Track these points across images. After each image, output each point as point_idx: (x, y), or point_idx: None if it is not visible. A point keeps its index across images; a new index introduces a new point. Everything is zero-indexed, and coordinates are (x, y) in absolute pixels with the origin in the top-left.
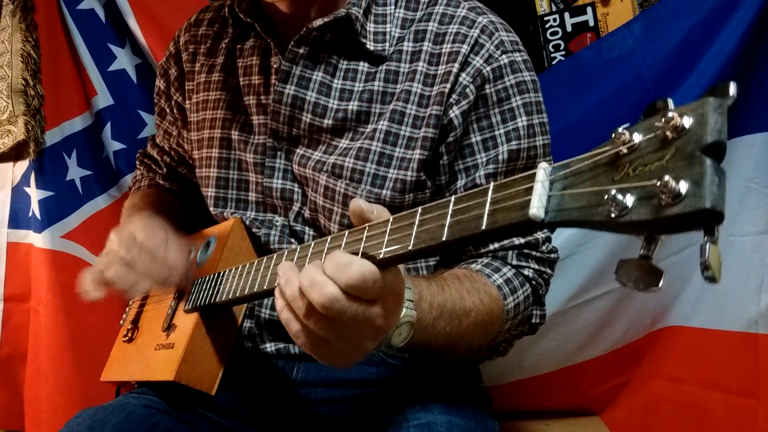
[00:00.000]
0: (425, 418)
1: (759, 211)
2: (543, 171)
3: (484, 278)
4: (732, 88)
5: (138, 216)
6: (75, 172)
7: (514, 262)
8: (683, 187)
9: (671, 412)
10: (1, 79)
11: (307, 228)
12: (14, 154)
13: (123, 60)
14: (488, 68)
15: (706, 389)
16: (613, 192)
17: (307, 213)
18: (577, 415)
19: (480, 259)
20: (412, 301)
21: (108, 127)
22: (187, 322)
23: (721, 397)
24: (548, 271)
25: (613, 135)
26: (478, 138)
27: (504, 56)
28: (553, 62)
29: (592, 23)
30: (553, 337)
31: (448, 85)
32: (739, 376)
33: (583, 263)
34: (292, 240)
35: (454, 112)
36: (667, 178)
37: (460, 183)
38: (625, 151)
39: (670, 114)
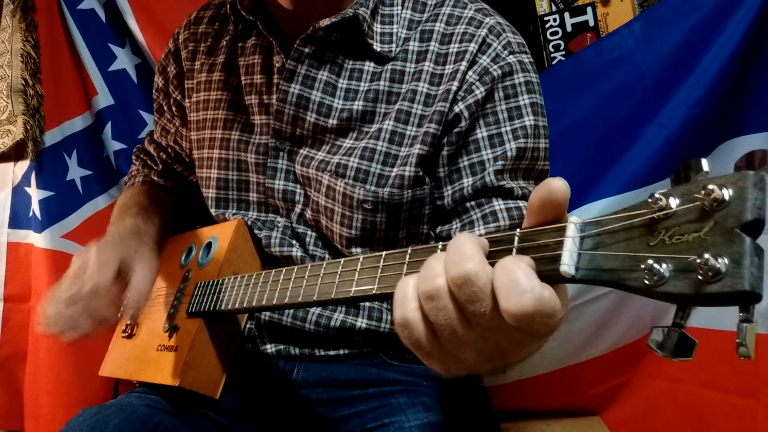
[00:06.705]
0: (425, 418)
1: None
2: (574, 226)
3: None
4: None
5: (107, 236)
6: (75, 172)
7: None
8: (722, 265)
9: (671, 412)
10: (0, 79)
11: (309, 230)
12: (15, 154)
13: (123, 60)
14: (495, 66)
15: (706, 389)
16: (650, 261)
17: (309, 214)
18: (577, 415)
19: None
20: None
21: (108, 127)
22: (190, 325)
23: (721, 397)
24: None
25: (650, 199)
26: (485, 134)
27: (511, 56)
28: (553, 62)
29: (592, 23)
30: (553, 337)
31: (456, 83)
32: (739, 376)
33: None
34: (294, 241)
35: (460, 107)
36: (707, 255)
37: (467, 183)
38: (660, 216)
39: (710, 186)
